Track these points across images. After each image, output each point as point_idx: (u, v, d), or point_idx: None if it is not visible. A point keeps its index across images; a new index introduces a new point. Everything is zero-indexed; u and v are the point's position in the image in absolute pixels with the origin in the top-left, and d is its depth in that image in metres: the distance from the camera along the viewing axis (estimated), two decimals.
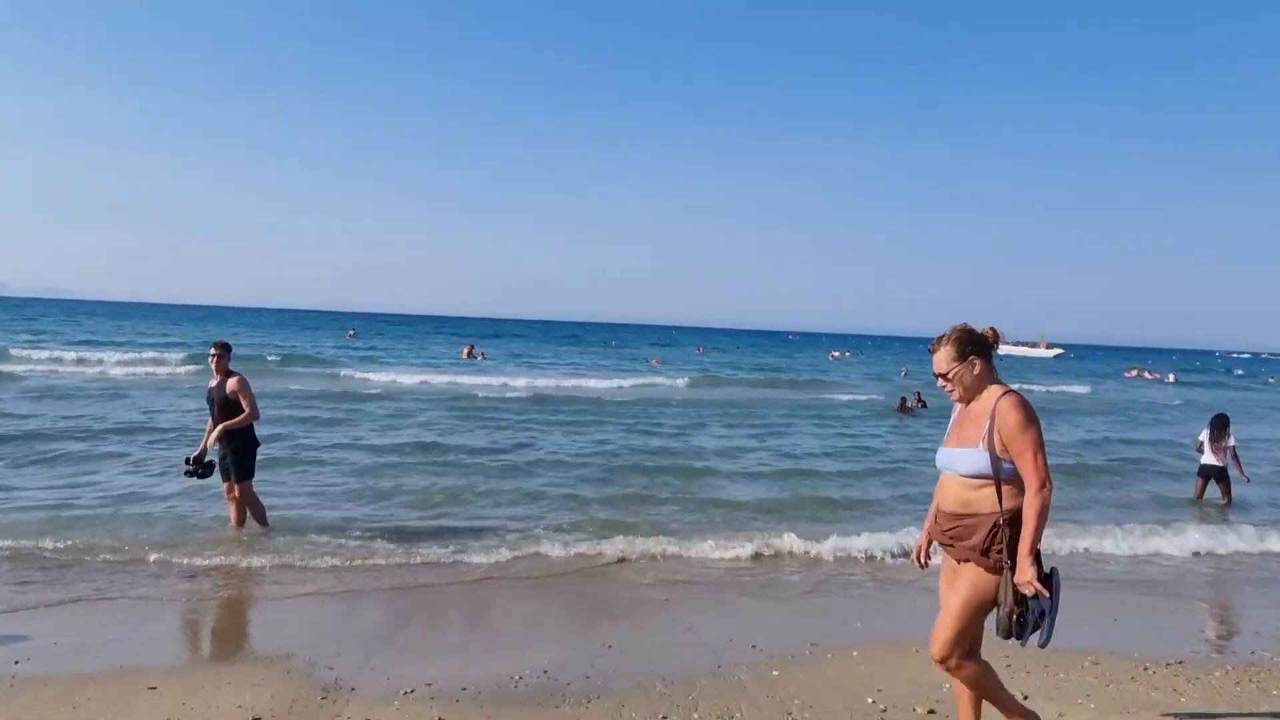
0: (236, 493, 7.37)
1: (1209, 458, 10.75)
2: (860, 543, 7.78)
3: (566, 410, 18.81)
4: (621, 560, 7.15)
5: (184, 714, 4.03)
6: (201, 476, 7.26)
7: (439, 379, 25.59)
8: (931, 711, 4.21)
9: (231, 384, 7.25)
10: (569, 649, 5.05)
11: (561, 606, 5.97)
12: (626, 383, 27.08)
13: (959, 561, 3.30)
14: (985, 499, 3.17)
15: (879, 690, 4.48)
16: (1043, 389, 35.28)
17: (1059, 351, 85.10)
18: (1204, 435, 10.83)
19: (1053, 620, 3.18)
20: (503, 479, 10.46)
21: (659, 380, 28.57)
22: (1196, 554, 8.25)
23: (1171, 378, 49.49)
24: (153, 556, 6.67)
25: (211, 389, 7.36)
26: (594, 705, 4.26)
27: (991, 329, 3.39)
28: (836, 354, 67.07)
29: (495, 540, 7.57)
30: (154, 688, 4.31)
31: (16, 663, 4.57)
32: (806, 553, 7.55)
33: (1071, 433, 18.83)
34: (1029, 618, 3.15)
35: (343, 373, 26.39)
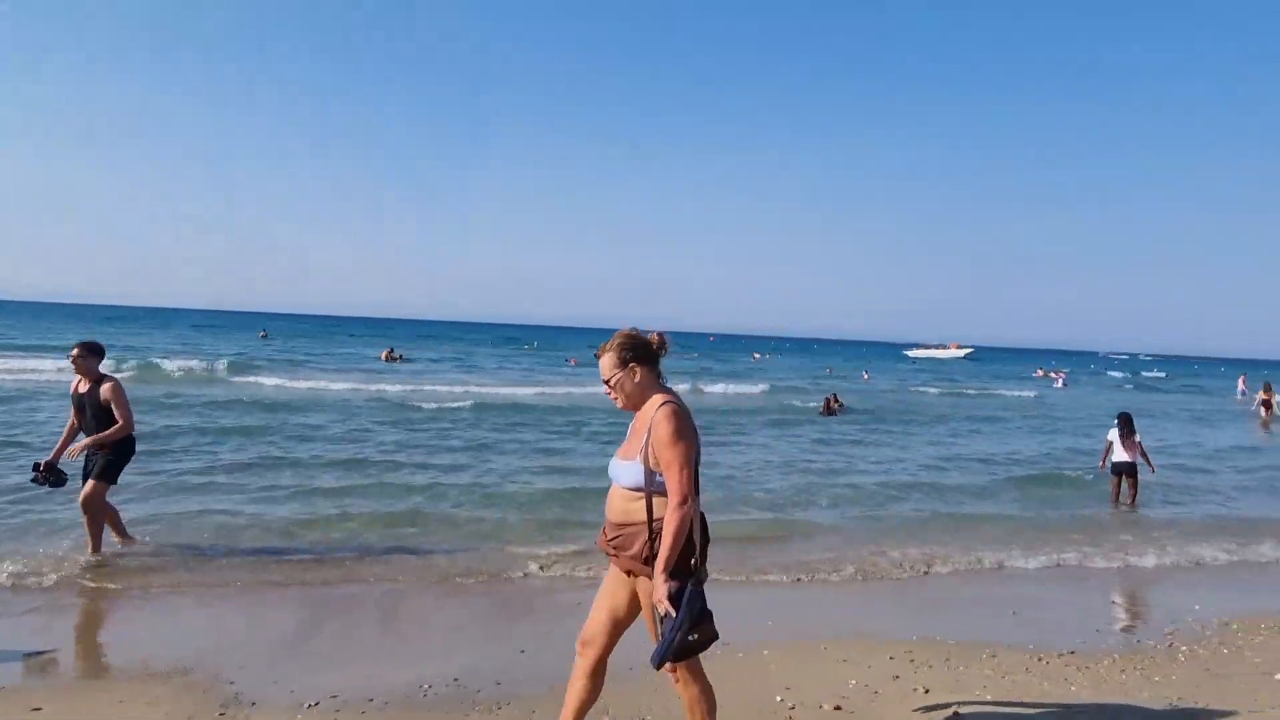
0: (88, 490, 6.64)
1: (1120, 455, 11.16)
2: (764, 536, 7.91)
3: (492, 416, 18.62)
4: (540, 566, 7.11)
5: None
6: (53, 485, 6.71)
7: (340, 385, 25.08)
8: (838, 708, 4.31)
9: (105, 391, 6.68)
10: (481, 655, 5.00)
11: (475, 612, 5.91)
12: (558, 389, 26.86)
13: (626, 573, 3.27)
14: (640, 509, 3.14)
15: (787, 688, 4.56)
16: (976, 391, 36.56)
17: (969, 351, 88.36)
18: (1113, 434, 11.26)
19: (672, 639, 2.97)
20: (415, 484, 10.29)
21: (570, 389, 27.97)
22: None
23: (1061, 379, 51.57)
24: (46, 571, 6.34)
25: (82, 394, 6.73)
26: (504, 711, 4.23)
27: (658, 334, 3.32)
28: (759, 355, 68.23)
29: (407, 546, 7.45)
30: (38, 709, 4.11)
31: None
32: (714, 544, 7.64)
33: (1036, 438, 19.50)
34: (667, 637, 2.99)
35: (252, 379, 25.60)
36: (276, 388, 23.13)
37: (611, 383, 3.25)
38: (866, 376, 44.23)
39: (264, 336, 58.76)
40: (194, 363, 28.54)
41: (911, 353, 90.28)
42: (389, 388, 24.24)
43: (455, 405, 20.00)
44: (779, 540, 8.36)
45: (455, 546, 7.50)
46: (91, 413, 6.71)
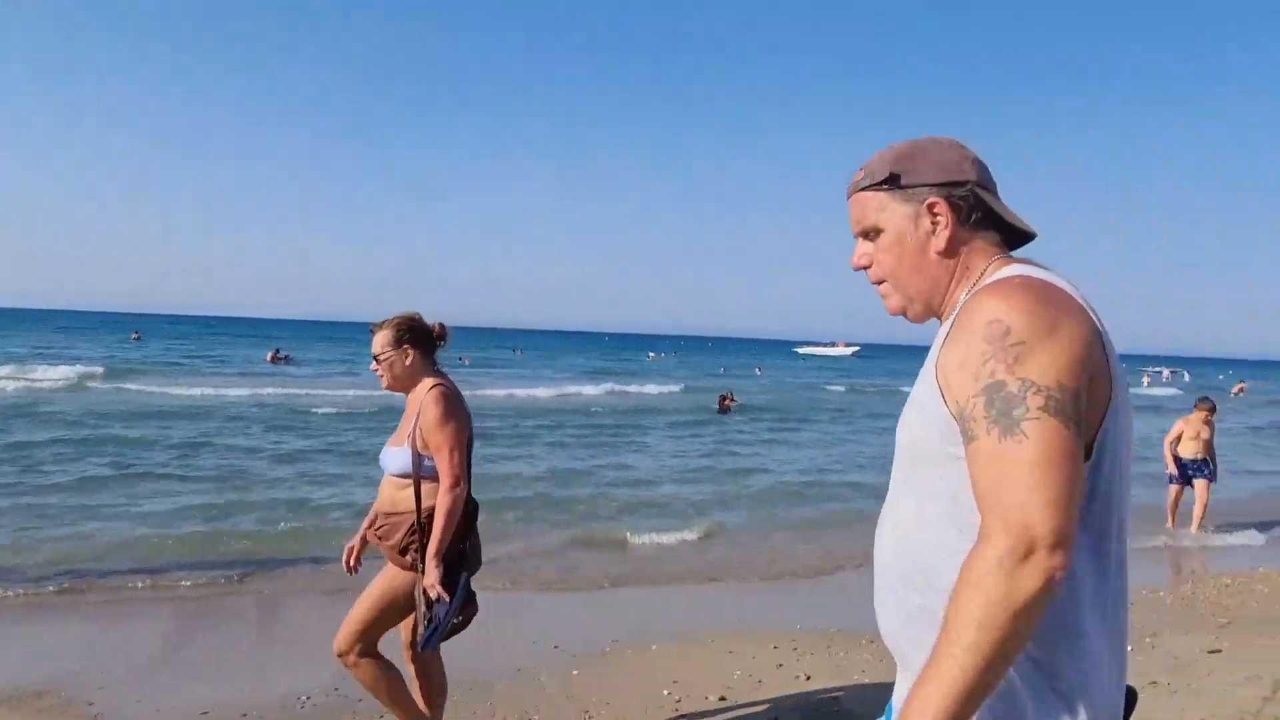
0: None
1: None
2: (666, 538, 8.00)
3: (358, 417, 18.14)
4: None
5: None
6: None
7: (223, 390, 24.04)
8: (723, 699, 4.39)
9: None
10: None
11: None
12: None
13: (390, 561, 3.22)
14: (409, 497, 3.10)
15: (674, 682, 4.61)
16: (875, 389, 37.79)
17: (856, 350, 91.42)
18: None
19: (444, 623, 3.01)
20: (297, 493, 9.91)
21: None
22: None
23: None
24: None
25: None
26: (387, 718, 4.12)
27: (440, 324, 3.34)
28: (654, 355, 68.81)
29: (286, 556, 7.18)
30: None
31: None
32: (614, 546, 7.68)
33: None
34: (437, 622, 3.02)
35: (126, 385, 24.21)
36: (152, 394, 21.92)
37: (381, 359, 3.22)
38: (759, 372, 45.18)
39: (136, 338, 55.64)
40: (63, 368, 26.73)
41: (802, 350, 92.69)
42: (275, 390, 23.35)
43: (348, 410, 19.41)
44: (685, 541, 8.42)
45: (336, 555, 7.23)
46: None
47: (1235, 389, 45.90)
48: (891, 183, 1.32)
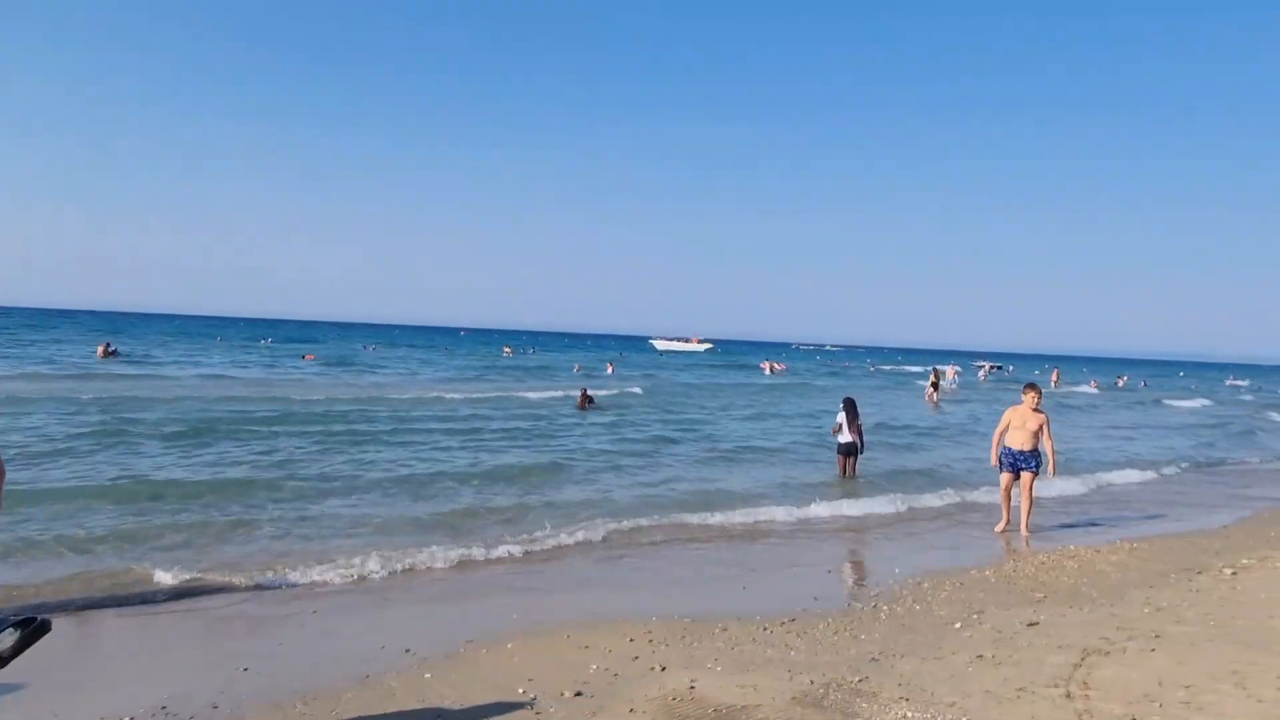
0: None
1: (846, 436, 12.32)
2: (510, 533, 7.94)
3: (169, 418, 16.96)
4: (256, 585, 6.41)
5: None
6: None
7: (48, 385, 22.04)
8: (579, 694, 4.36)
9: None
10: (196, 678, 4.56)
11: (187, 632, 5.38)
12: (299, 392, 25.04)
13: None
14: None
15: (529, 680, 4.56)
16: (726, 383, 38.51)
17: (709, 346, 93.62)
18: (841, 418, 12.34)
19: None
20: (102, 497, 9.03)
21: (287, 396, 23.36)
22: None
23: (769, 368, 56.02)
24: None
25: None
26: None
27: None
28: (509, 350, 68.12)
29: (101, 565, 6.64)
30: None
31: None
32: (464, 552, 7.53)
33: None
34: None
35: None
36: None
37: None
38: (610, 369, 45.25)
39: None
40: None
41: (657, 344, 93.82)
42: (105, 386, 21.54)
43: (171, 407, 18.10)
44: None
45: (154, 566, 6.61)
46: None
47: (1053, 378, 51.27)
48: None
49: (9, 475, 3.97)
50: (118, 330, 68.87)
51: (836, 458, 12.62)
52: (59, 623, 5.41)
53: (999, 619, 5.73)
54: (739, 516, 9.40)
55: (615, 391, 28.84)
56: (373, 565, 6.87)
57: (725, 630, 5.49)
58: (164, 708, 4.15)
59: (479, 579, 6.85)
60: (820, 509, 9.94)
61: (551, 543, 7.96)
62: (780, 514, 9.63)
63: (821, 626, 5.63)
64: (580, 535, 8.24)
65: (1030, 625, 5.54)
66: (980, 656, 4.84)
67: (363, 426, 16.15)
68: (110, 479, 9.97)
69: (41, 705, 4.15)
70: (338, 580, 6.58)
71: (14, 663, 4.73)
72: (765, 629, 5.54)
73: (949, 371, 47.22)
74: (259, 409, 18.01)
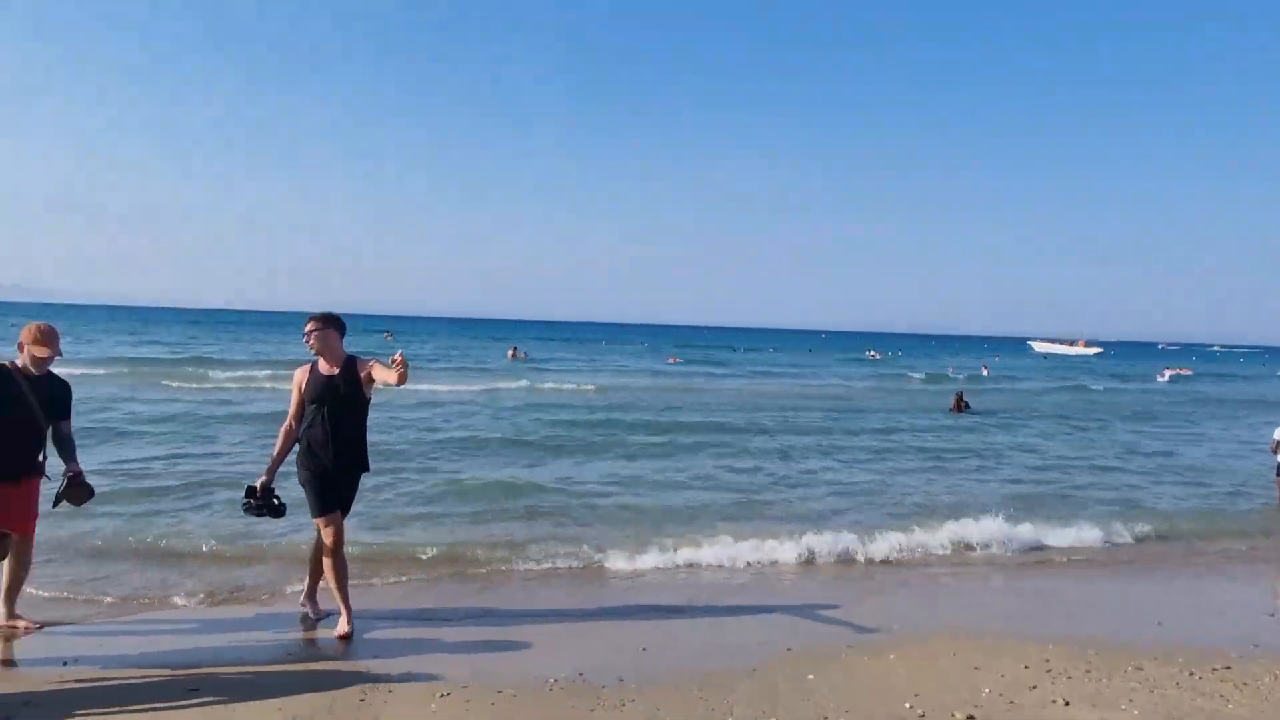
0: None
1: None
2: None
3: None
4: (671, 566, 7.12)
5: None
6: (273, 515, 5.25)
7: None
8: (971, 718, 4.15)
9: (372, 370, 5.16)
10: (606, 653, 5.02)
11: (597, 609, 5.99)
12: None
13: None
14: None
15: (915, 695, 4.42)
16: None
17: (1097, 350, 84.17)
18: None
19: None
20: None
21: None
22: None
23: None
24: None
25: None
26: None
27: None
28: (873, 353, 66.83)
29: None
30: None
31: None
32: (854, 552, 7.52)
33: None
34: None
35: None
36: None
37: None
38: (986, 371, 42.53)
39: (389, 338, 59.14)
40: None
41: (1036, 346, 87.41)
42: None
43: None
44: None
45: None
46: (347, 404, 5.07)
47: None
48: None
49: None
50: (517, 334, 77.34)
51: (1276, 481, 10.53)
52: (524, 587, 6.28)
53: None
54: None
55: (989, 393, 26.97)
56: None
57: (1140, 669, 4.87)
58: (581, 674, 4.64)
59: (867, 582, 6.87)
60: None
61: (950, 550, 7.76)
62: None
63: (1269, 680, 4.78)
64: (993, 550, 7.96)
65: None
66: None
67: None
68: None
69: (486, 663, 4.83)
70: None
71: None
72: (1191, 674, 4.83)
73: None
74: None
